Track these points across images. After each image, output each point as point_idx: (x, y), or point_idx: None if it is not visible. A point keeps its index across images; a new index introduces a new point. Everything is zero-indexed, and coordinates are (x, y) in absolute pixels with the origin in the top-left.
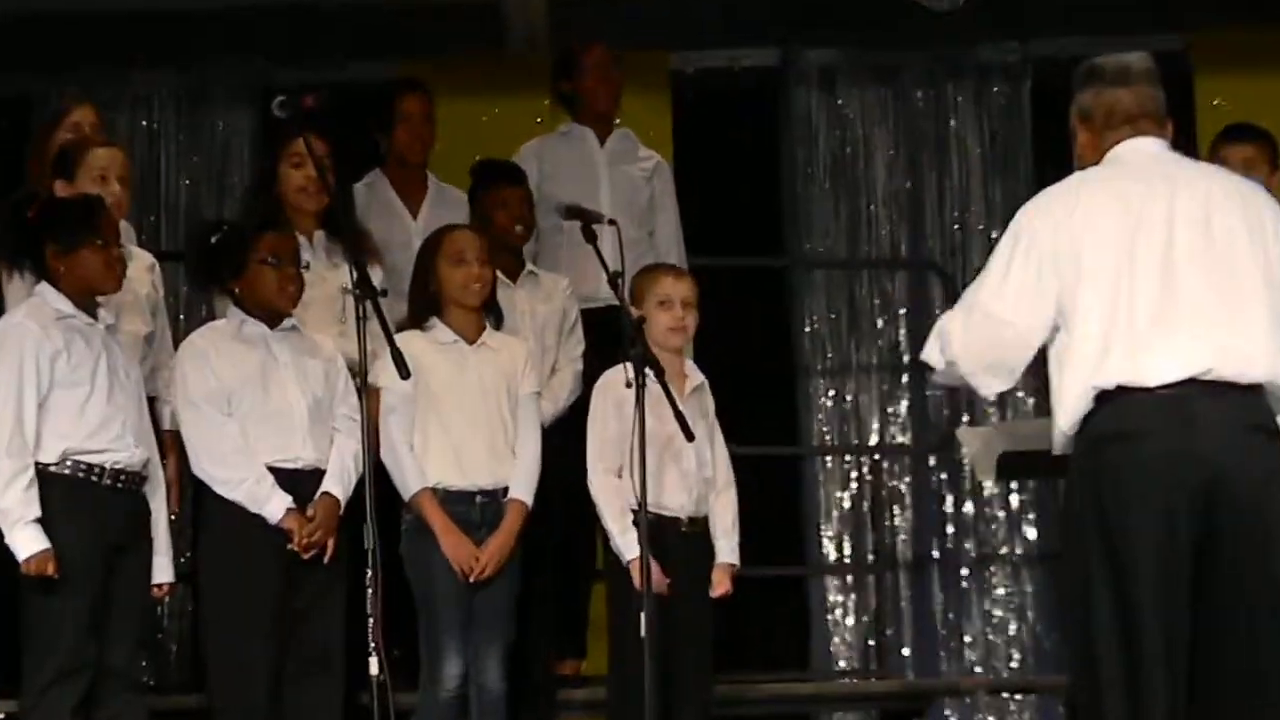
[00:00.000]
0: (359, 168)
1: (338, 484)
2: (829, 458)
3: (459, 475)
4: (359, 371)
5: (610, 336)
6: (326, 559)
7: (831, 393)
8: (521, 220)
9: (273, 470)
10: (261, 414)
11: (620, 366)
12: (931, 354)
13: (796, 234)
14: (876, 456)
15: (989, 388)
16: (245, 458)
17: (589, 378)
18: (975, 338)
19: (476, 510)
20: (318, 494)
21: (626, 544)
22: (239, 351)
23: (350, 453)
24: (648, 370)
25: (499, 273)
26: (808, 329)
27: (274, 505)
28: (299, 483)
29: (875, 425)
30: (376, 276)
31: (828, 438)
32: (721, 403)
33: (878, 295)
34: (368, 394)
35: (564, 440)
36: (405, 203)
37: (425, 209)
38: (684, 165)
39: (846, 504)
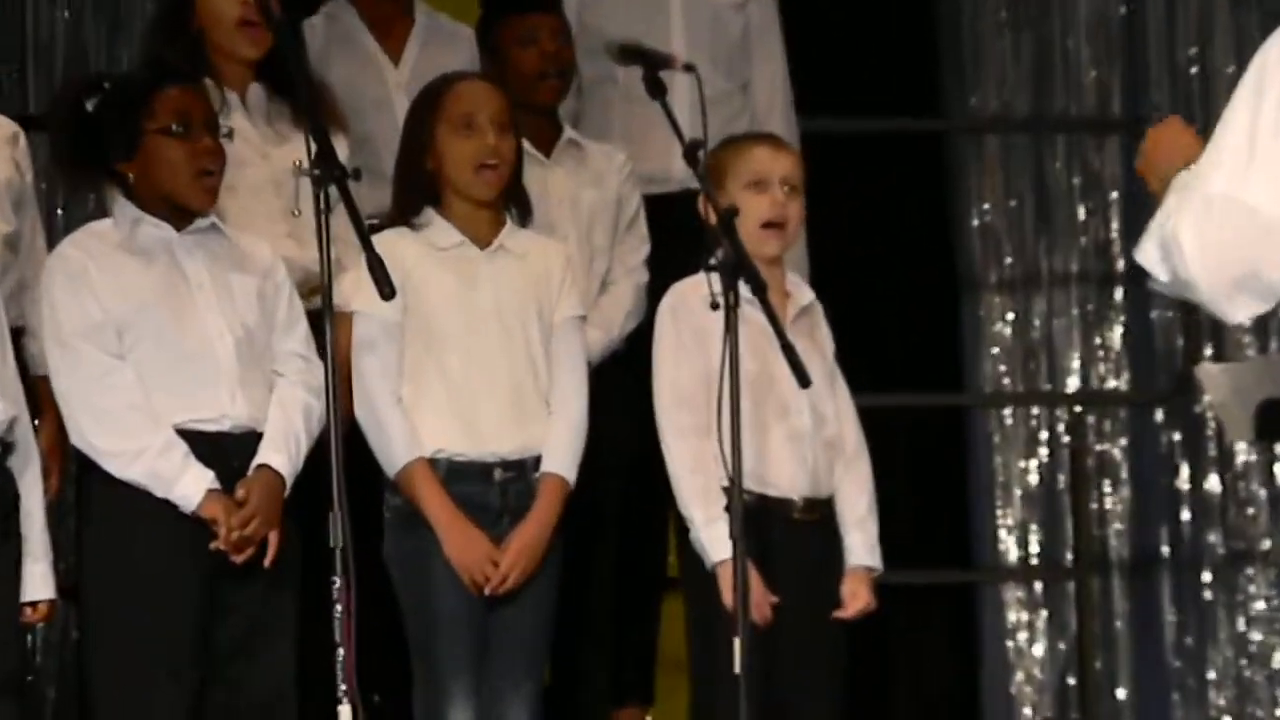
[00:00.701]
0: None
1: (281, 452)
2: (1007, 411)
3: (469, 441)
4: (320, 290)
5: (686, 235)
6: (268, 562)
7: (1010, 316)
8: (557, 65)
9: (185, 435)
10: (168, 355)
11: (700, 278)
12: (1150, 259)
13: (959, 85)
14: (1077, 409)
15: (1240, 311)
16: (144, 418)
17: (657, 294)
18: (1217, 241)
19: (495, 492)
20: (252, 467)
21: (713, 540)
22: (132, 266)
23: (299, 407)
24: (743, 285)
25: (526, 143)
26: (975, 222)
27: (188, 485)
28: (226, 452)
29: (1075, 363)
30: (342, 150)
31: (1005, 381)
32: (844, 332)
33: (1078, 171)
34: (332, 323)
35: (621, 387)
36: (383, 42)
37: (412, 51)
38: None
39: (1033, 479)
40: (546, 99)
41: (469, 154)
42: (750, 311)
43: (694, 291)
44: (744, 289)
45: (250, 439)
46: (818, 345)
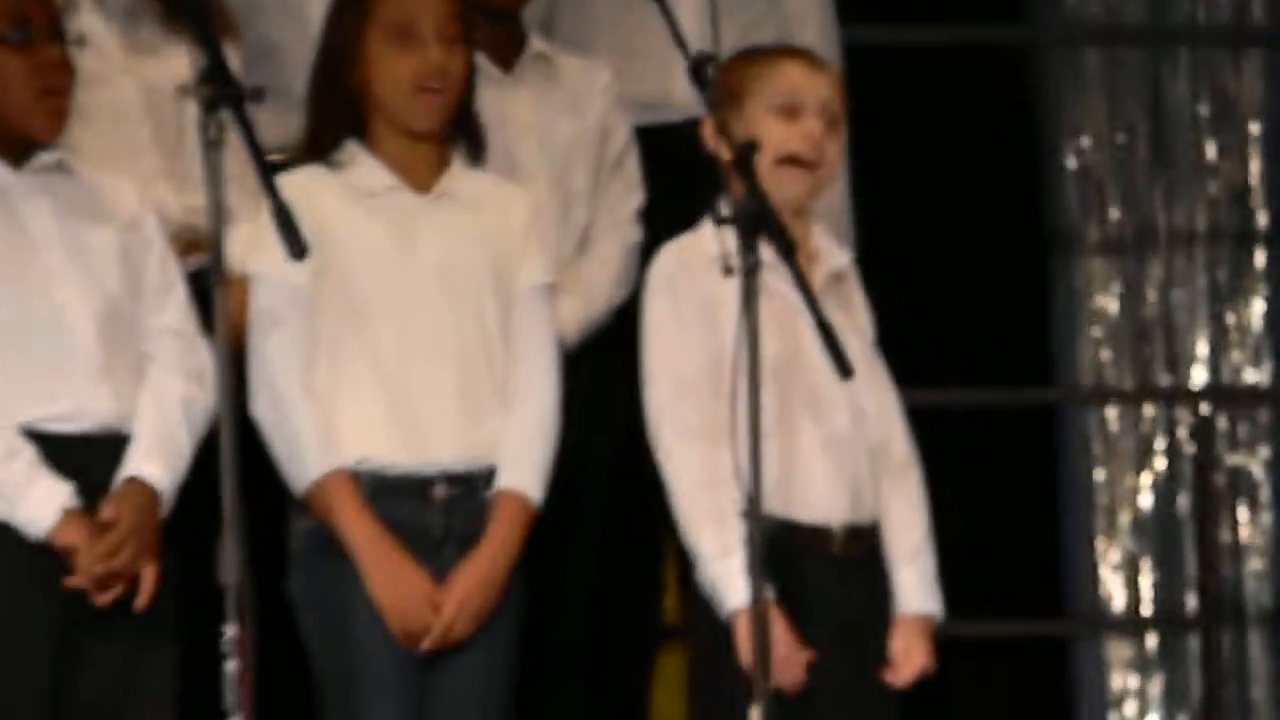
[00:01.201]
0: None
1: (156, 460)
2: (1112, 411)
3: (403, 446)
4: (204, 247)
5: (692, 177)
6: (140, 603)
7: (1117, 287)
8: None
9: (32, 437)
10: (6, 334)
11: (706, 233)
12: None
13: None
14: (1204, 409)
15: None
16: None
17: (652, 254)
18: None
19: (437, 513)
20: (119, 479)
21: (727, 579)
22: None
23: (178, 400)
24: (763, 242)
25: (480, 57)
26: (1071, 163)
27: (36, 503)
28: (85, 460)
29: (1202, 349)
30: (234, 63)
31: (1109, 373)
32: (896, 307)
33: (1206, 96)
34: (223, 291)
35: (604, 376)
36: None
37: None
38: None
39: (1146, 500)
40: (506, 2)
41: (407, 72)
42: (772, 279)
43: (698, 251)
44: (766, 249)
45: (116, 442)
46: (854, 323)
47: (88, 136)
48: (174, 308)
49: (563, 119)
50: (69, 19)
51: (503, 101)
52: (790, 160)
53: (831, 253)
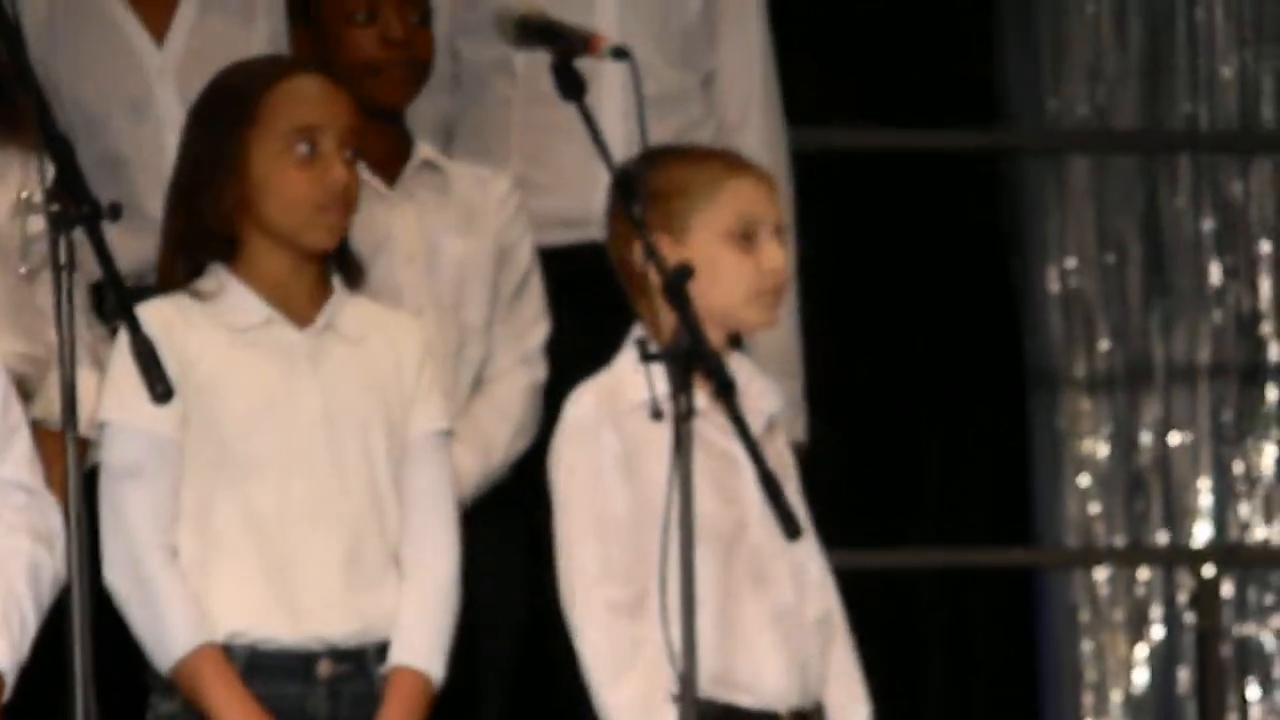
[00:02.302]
0: None
1: (1, 641)
2: (1100, 574)
3: (282, 618)
4: (59, 392)
5: (616, 304)
6: None
7: (1107, 428)
8: (406, 51)
9: None
10: None
11: (627, 370)
12: None
13: (1031, 80)
14: (1208, 570)
15: None
16: None
17: (562, 395)
18: None
19: (322, 695)
20: None
21: None
22: None
23: (23, 565)
24: (699, 383)
25: (359, 166)
26: (1054, 286)
27: None
28: None
29: (1205, 500)
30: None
31: (1098, 529)
32: (851, 454)
33: (1209, 209)
34: (76, 440)
35: (505, 537)
36: (139, 7)
37: (185, 18)
38: None
39: (1140, 676)
40: (389, 100)
41: (307, 190)
42: (704, 426)
43: (620, 394)
44: (700, 391)
45: None
46: (787, 475)
47: None
48: (16, 458)
49: (454, 239)
50: None
51: (384, 218)
52: (762, 294)
53: (764, 393)
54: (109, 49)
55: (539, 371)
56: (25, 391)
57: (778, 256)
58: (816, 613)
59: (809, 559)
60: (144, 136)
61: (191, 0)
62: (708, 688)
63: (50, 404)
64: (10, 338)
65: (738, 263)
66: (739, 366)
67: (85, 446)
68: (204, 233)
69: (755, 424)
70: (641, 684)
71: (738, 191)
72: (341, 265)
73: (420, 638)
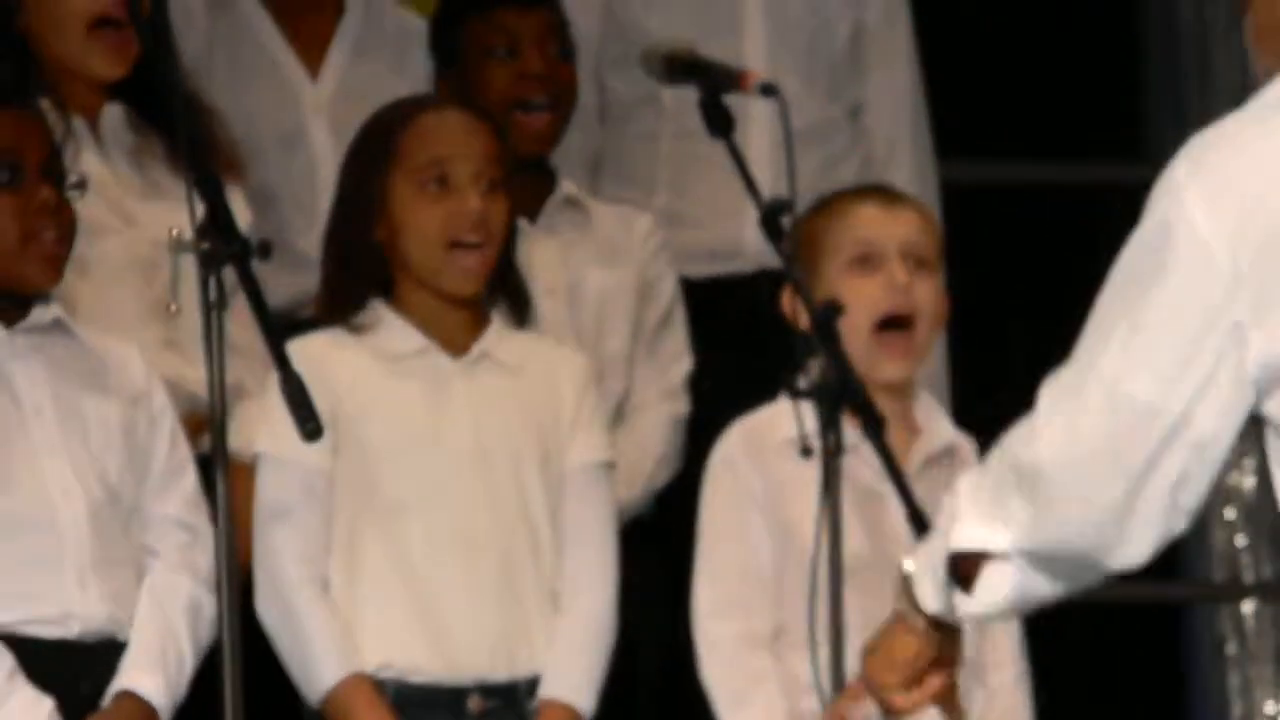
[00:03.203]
0: None
1: (155, 672)
2: (1248, 608)
3: (433, 652)
4: (209, 422)
5: (763, 336)
6: None
7: (1251, 461)
8: (547, 87)
9: (12, 643)
10: None
11: (779, 409)
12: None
13: (1176, 117)
14: None
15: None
16: None
17: (714, 429)
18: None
19: None
20: (111, 693)
21: None
22: None
23: (182, 603)
24: (848, 420)
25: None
26: None
27: (14, 715)
28: (73, 669)
29: None
30: (242, 212)
31: (1244, 563)
32: None
33: None
34: (227, 476)
35: (647, 569)
36: (295, 43)
37: (340, 55)
38: None
39: None
40: (531, 138)
41: (440, 224)
42: (853, 462)
43: (770, 431)
44: (849, 427)
45: (109, 650)
46: None
47: (88, 293)
48: (182, 496)
49: (596, 272)
50: (70, 160)
51: (526, 253)
52: (884, 324)
53: (935, 426)
54: (265, 82)
55: (681, 405)
56: (204, 422)
57: (899, 276)
58: (969, 652)
59: None
60: (296, 171)
61: (347, 36)
62: None
63: (238, 436)
64: (184, 366)
65: (863, 288)
66: (908, 399)
67: None
68: (358, 270)
69: (915, 458)
70: (761, 716)
71: (856, 218)
72: (508, 297)
73: (573, 671)
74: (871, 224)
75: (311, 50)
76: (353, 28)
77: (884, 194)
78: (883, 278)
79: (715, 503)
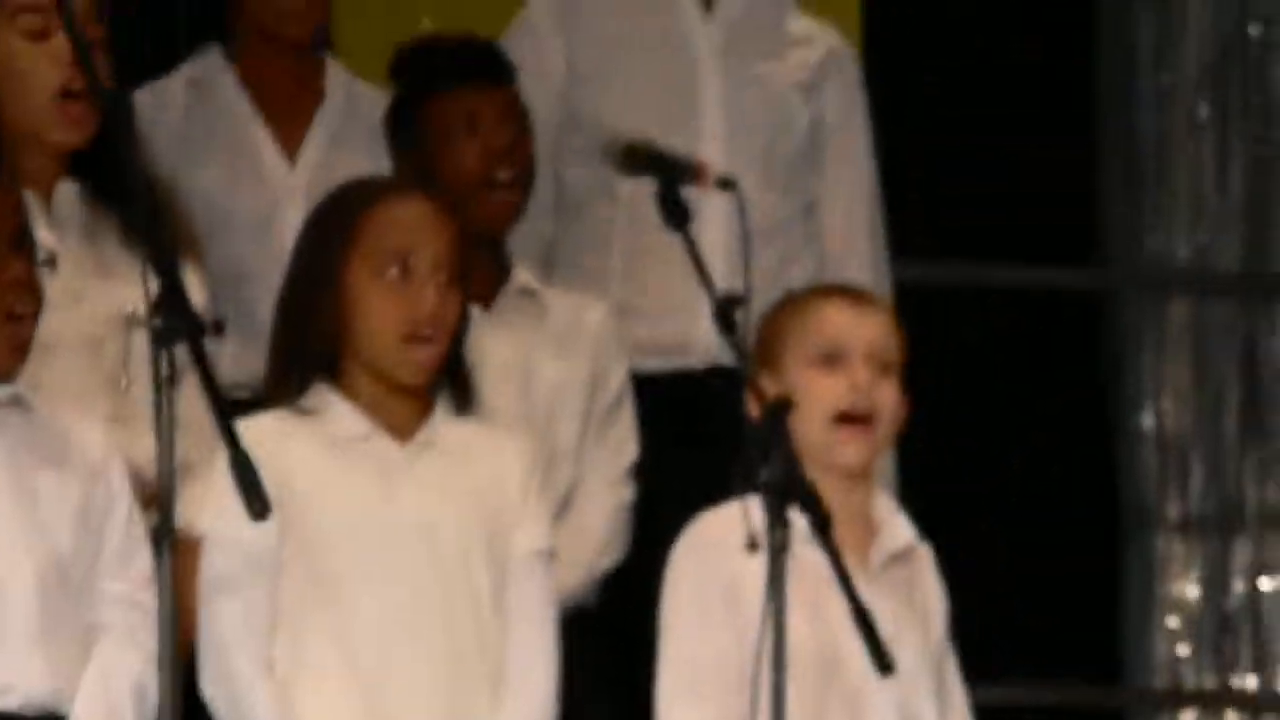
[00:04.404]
0: (166, 51)
1: None
2: (1185, 715)
3: None
4: (156, 499)
5: (706, 436)
6: None
7: (1198, 572)
8: (508, 166)
9: None
10: None
11: (731, 507)
12: None
13: (1130, 219)
14: None
15: None
16: None
17: (672, 526)
18: None
19: None
20: None
21: None
22: None
23: (129, 682)
24: (795, 515)
25: None
26: (1149, 423)
27: None
28: None
29: None
30: (196, 291)
31: (1186, 671)
32: (950, 592)
33: None
34: (172, 554)
35: (591, 659)
36: (273, 125)
37: (318, 141)
38: (883, 55)
39: None
40: (491, 220)
41: (397, 316)
42: (807, 555)
43: (727, 527)
44: (799, 522)
45: None
46: (917, 611)
47: (44, 370)
48: (135, 575)
49: (548, 363)
50: (39, 231)
51: (480, 342)
52: (843, 419)
53: (894, 527)
54: (241, 163)
55: (626, 493)
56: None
57: (861, 378)
58: None
59: (921, 696)
60: (268, 252)
61: (326, 121)
62: None
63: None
64: (132, 442)
65: (824, 384)
66: (866, 498)
67: None
68: (306, 351)
69: (876, 557)
70: None
71: (822, 316)
72: (455, 386)
73: None
74: (838, 323)
75: (290, 134)
76: (332, 115)
77: (853, 294)
78: (846, 377)
79: (679, 594)
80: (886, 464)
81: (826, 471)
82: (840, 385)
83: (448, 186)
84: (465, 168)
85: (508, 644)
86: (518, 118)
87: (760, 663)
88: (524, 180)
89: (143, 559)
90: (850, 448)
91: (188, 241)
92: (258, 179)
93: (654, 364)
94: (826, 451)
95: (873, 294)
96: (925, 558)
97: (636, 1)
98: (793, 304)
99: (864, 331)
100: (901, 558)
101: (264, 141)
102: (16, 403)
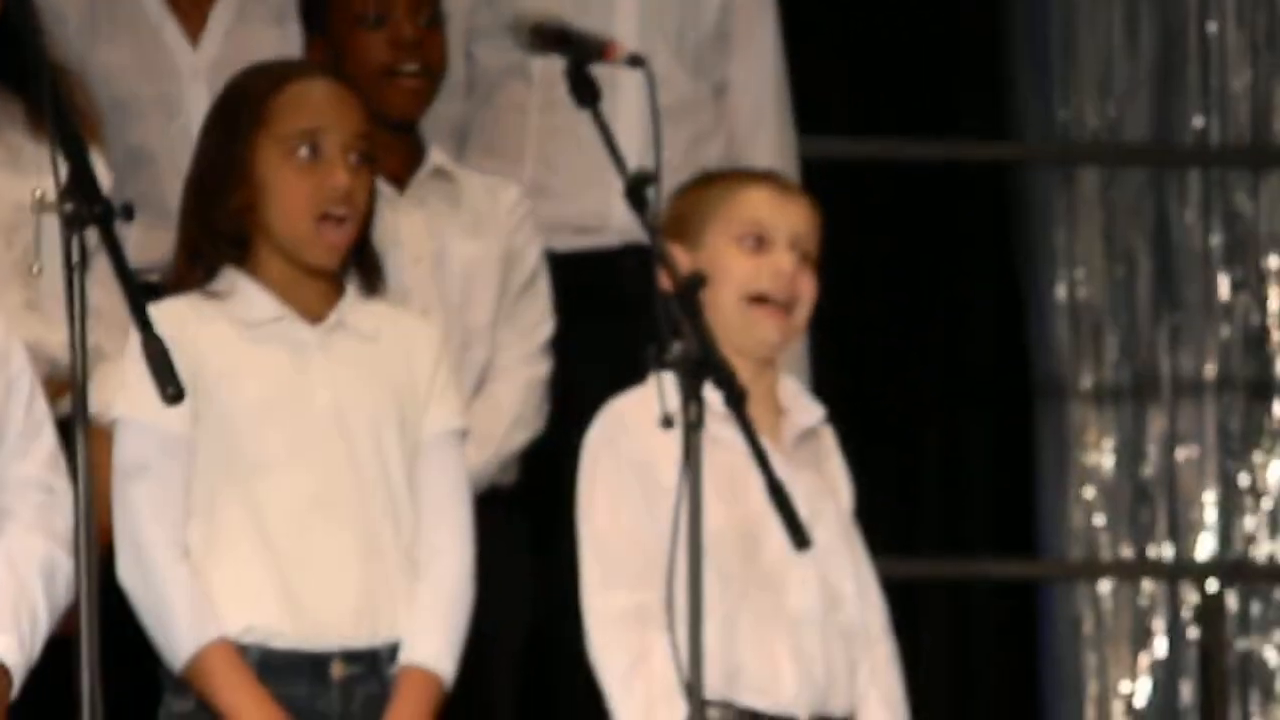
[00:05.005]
0: None
1: (8, 633)
2: (1104, 587)
3: (293, 619)
4: (70, 386)
5: (622, 314)
6: None
7: (1111, 441)
8: (418, 56)
9: None
10: None
11: (646, 385)
12: None
13: (1041, 93)
14: (1212, 584)
15: None
16: None
17: (588, 409)
18: None
19: (334, 696)
20: None
21: None
22: None
23: (38, 564)
24: (711, 393)
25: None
26: (1062, 296)
27: None
28: None
29: (1210, 515)
30: (103, 175)
31: (1102, 541)
32: (863, 469)
33: (1219, 223)
34: (86, 439)
35: (508, 539)
36: (176, 8)
37: (221, 21)
38: None
39: (1144, 689)
40: (402, 102)
41: (308, 196)
42: (722, 434)
43: (643, 408)
44: (713, 397)
45: None
46: (828, 486)
47: None
48: (40, 457)
49: (462, 243)
50: None
51: (393, 223)
52: (759, 299)
53: (803, 407)
54: (145, 47)
55: (541, 368)
56: (59, 386)
57: (785, 264)
58: (846, 625)
59: (839, 569)
60: (174, 135)
61: (229, 3)
62: (724, 692)
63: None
64: (45, 329)
65: (747, 266)
66: (774, 381)
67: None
68: (216, 235)
69: (788, 435)
70: (648, 692)
71: (749, 201)
72: (361, 268)
73: (432, 637)
74: (766, 207)
75: (192, 16)
76: None
77: (780, 182)
78: (770, 262)
79: (596, 479)
80: (799, 349)
81: (738, 354)
82: (764, 268)
83: (356, 74)
84: (370, 58)
85: (420, 525)
86: (427, 7)
87: (676, 541)
88: (433, 70)
89: (47, 440)
90: (766, 326)
91: (93, 127)
92: (162, 62)
93: (569, 243)
94: (741, 331)
95: (798, 185)
96: (829, 436)
97: None
98: (716, 182)
99: (790, 219)
100: (809, 437)
101: (167, 23)
102: None
